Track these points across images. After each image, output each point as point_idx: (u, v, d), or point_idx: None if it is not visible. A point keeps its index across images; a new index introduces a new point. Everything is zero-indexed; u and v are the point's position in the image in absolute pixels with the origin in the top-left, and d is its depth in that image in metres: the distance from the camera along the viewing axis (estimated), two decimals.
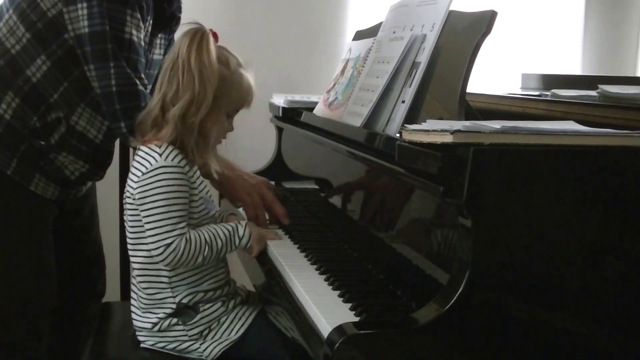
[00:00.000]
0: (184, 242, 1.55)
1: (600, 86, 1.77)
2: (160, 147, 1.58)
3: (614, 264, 1.19)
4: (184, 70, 1.57)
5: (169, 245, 1.54)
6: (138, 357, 1.67)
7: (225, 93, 1.62)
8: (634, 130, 1.20)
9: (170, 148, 1.58)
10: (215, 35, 1.63)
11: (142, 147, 1.61)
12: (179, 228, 1.55)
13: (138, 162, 1.60)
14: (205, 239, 1.58)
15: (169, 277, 1.62)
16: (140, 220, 1.58)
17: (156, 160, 1.57)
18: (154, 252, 1.56)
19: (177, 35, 1.65)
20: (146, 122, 1.63)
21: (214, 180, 1.76)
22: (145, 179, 1.56)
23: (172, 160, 1.57)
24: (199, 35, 1.59)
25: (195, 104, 1.57)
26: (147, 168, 1.57)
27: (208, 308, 1.64)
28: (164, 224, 1.54)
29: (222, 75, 1.61)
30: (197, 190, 1.62)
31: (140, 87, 1.77)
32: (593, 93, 1.79)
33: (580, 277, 1.19)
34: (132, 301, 1.69)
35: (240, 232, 1.64)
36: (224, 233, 1.62)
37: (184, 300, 1.62)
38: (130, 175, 1.62)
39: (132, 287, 1.70)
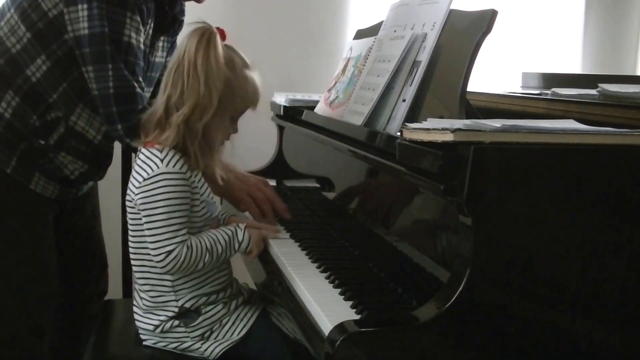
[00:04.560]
0: (185, 249, 1.54)
1: (600, 85, 1.78)
2: (161, 151, 1.55)
3: (614, 262, 1.20)
4: (189, 72, 1.53)
5: (170, 252, 1.53)
6: (140, 355, 1.67)
7: (230, 98, 1.58)
8: (633, 129, 1.20)
9: (171, 153, 1.55)
10: (222, 34, 1.58)
11: (144, 150, 1.59)
12: (180, 235, 1.54)
13: (139, 166, 1.58)
14: (206, 245, 1.57)
15: (172, 281, 1.61)
16: (142, 225, 1.56)
17: (157, 167, 1.54)
18: (155, 259, 1.54)
19: (183, 34, 1.62)
20: (150, 122, 1.60)
21: (215, 184, 1.74)
22: (146, 185, 1.54)
23: (174, 166, 1.55)
24: (206, 35, 1.54)
25: (200, 109, 1.54)
26: (148, 174, 1.55)
27: (210, 310, 1.63)
28: (165, 231, 1.53)
29: (228, 80, 1.56)
30: (198, 194, 1.60)
31: (138, 90, 1.77)
32: (593, 92, 1.79)
33: (580, 275, 1.19)
34: (135, 301, 1.69)
35: (240, 237, 1.62)
36: (223, 238, 1.60)
37: (187, 304, 1.62)
38: (131, 178, 1.60)
39: (135, 287, 1.69)
